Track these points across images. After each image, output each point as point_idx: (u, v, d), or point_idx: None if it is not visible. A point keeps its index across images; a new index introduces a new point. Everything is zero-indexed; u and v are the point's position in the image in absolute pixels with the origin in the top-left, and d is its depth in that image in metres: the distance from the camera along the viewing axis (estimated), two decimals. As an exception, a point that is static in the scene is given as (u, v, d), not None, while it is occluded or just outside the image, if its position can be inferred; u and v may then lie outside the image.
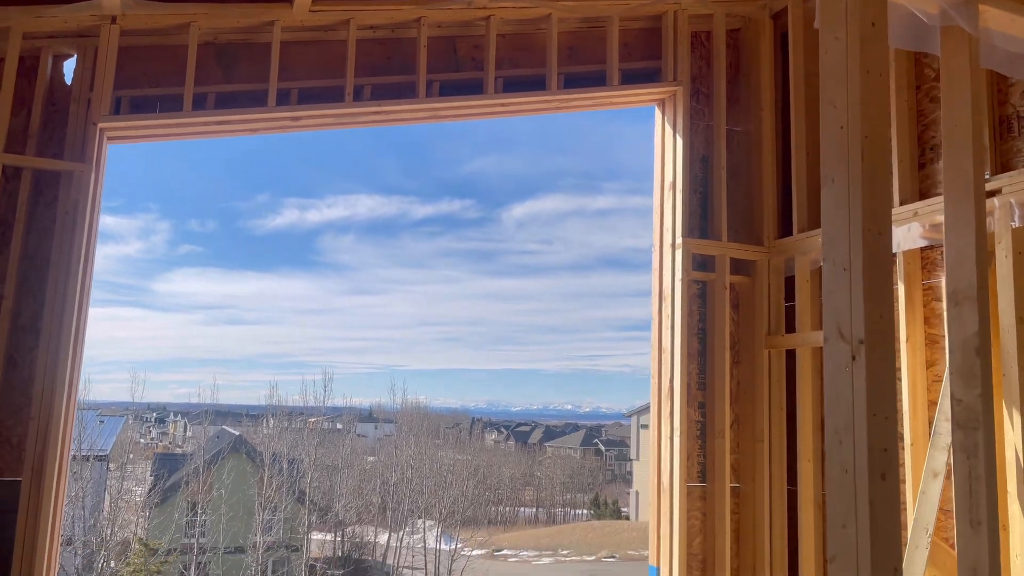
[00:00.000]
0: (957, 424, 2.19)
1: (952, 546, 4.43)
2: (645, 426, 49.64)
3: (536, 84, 5.80)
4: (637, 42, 6.12)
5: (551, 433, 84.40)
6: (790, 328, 5.90)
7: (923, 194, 5.06)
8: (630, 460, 56.73)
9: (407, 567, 34.05)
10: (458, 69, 5.75)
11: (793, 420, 5.79)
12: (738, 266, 6.09)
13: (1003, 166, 4.62)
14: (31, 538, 4.49)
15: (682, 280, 5.82)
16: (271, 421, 39.95)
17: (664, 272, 5.98)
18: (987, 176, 4.63)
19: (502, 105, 5.69)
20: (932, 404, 4.90)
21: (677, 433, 5.71)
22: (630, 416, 53.83)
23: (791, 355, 5.93)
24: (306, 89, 5.40)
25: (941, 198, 4.85)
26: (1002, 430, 4.34)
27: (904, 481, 4.93)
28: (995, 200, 4.43)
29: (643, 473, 47.61)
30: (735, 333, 6.06)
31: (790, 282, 5.98)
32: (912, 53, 5.23)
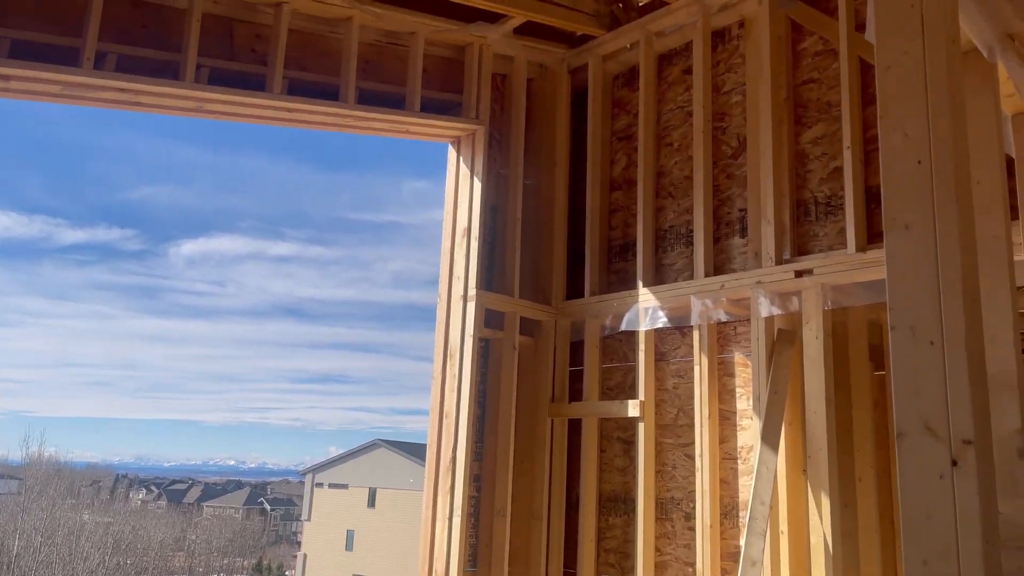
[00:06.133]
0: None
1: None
2: (320, 485, 47.55)
3: (326, 94, 4.92)
4: (436, 71, 5.53)
5: (211, 491, 77.73)
6: (575, 396, 5.55)
7: (718, 268, 5.04)
8: (299, 520, 53.94)
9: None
10: (233, 58, 4.68)
11: (573, 496, 5.41)
12: (523, 326, 5.64)
13: (800, 248, 4.72)
14: None
15: (473, 337, 5.21)
16: None
17: (451, 327, 5.33)
18: (787, 256, 4.72)
19: (288, 110, 4.72)
20: (723, 482, 4.79)
21: (458, 512, 5.00)
22: (304, 474, 51.34)
23: (574, 425, 5.57)
24: (24, 42, 3.97)
25: (739, 274, 4.87)
26: (806, 515, 4.29)
27: (695, 567, 4.72)
28: (805, 280, 4.48)
29: (314, 534, 45.32)
30: (516, 399, 5.57)
31: (575, 347, 5.67)
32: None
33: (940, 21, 1.75)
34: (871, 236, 4.38)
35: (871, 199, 4.44)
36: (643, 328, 5.16)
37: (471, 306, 5.25)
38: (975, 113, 2.02)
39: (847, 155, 4.45)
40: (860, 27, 4.59)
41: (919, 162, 1.70)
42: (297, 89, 4.81)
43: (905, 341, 1.67)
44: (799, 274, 4.50)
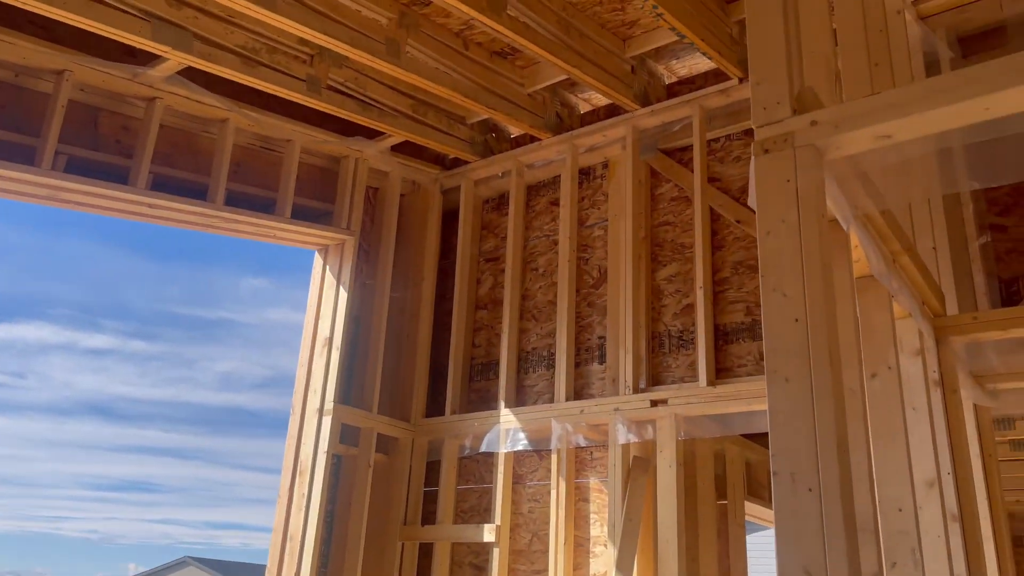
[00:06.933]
0: None
1: None
2: (118, 606, 42.61)
3: (193, 192, 4.77)
4: (309, 179, 5.51)
5: (-17, 613, 67.83)
6: (428, 518, 5.40)
7: (578, 393, 5.17)
8: (88, 648, 47.86)
9: None
10: (96, 148, 4.47)
11: (420, 625, 5.17)
12: (379, 442, 5.49)
13: (655, 379, 4.94)
14: None
15: (327, 453, 5.00)
16: None
17: (304, 441, 5.10)
18: (643, 385, 4.92)
19: (150, 206, 4.51)
20: (575, 611, 4.75)
21: (297, 644, 4.64)
22: (100, 594, 46.09)
23: (425, 548, 5.38)
24: None
25: (599, 400, 5.02)
26: (657, 644, 4.31)
27: None
28: (660, 409, 4.67)
29: (106, 665, 40.23)
30: (367, 521, 5.34)
31: (431, 466, 5.56)
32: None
33: (810, 194, 1.97)
34: (719, 371, 4.67)
35: (719, 336, 4.76)
36: (503, 450, 5.15)
37: (327, 420, 5.06)
38: (835, 276, 2.25)
39: (699, 294, 4.77)
40: (712, 180, 5.04)
41: (796, 320, 1.87)
42: (163, 185, 4.63)
43: (786, 487, 1.77)
44: (655, 403, 4.70)
